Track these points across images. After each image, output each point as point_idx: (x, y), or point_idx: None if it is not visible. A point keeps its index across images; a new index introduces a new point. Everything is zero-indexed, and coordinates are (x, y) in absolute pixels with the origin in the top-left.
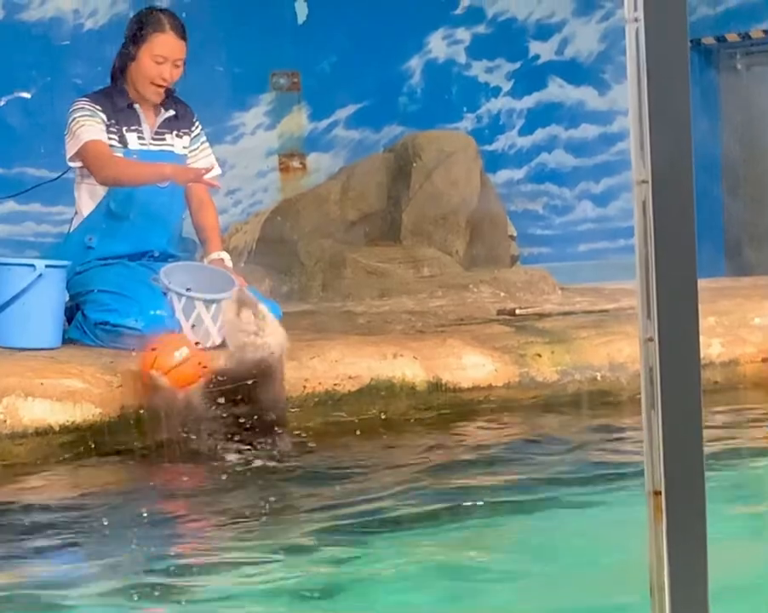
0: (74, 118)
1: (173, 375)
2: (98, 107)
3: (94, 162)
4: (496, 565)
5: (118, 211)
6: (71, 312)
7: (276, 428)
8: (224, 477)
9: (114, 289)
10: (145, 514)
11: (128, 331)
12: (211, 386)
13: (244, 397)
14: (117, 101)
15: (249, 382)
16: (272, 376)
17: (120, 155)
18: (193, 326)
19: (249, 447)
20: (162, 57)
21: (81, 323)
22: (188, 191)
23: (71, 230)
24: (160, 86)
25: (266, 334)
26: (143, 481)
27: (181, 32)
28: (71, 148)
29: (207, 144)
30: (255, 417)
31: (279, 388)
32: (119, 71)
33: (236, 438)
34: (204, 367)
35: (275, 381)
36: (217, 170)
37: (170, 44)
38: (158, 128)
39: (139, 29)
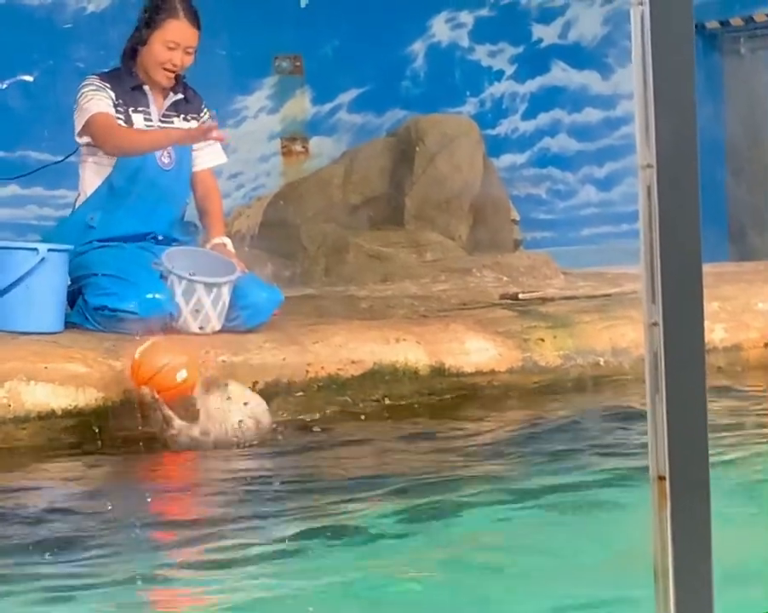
0: (82, 93)
1: (170, 395)
2: (107, 84)
3: (101, 133)
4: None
5: (122, 191)
6: (74, 296)
7: None
8: None
9: (112, 273)
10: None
11: (126, 315)
12: None
13: None
14: (125, 82)
15: None
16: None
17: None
18: (197, 311)
19: None
20: (174, 43)
21: (82, 309)
22: (194, 176)
23: (75, 210)
24: (170, 71)
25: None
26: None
27: (195, 20)
28: (78, 122)
29: None
30: None
31: None
32: (130, 54)
33: None
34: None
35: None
36: (223, 159)
37: (183, 31)
38: (166, 110)
39: (153, 13)
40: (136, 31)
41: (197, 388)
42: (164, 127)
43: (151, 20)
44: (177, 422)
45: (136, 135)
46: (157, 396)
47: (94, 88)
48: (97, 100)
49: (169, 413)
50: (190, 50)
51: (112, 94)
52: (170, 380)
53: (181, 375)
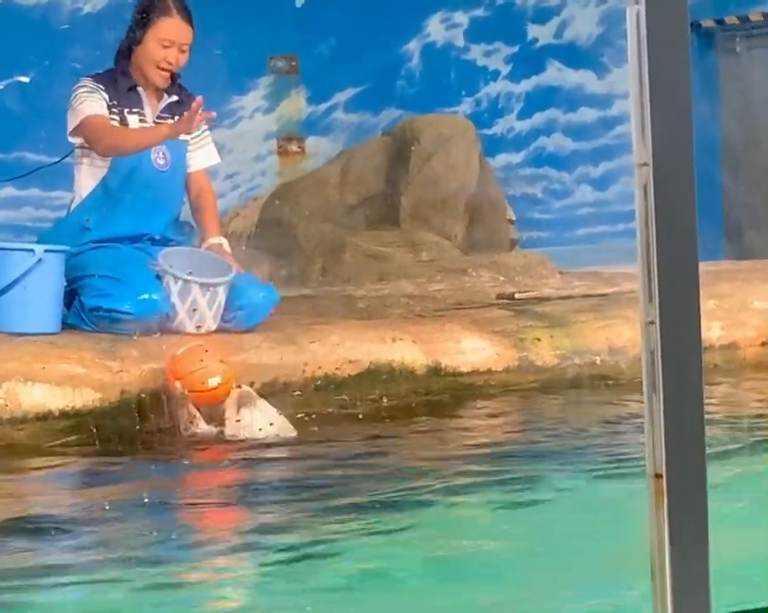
0: (76, 95)
1: (199, 397)
2: (101, 86)
3: (94, 133)
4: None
5: (117, 192)
6: (70, 297)
7: None
8: None
9: (108, 274)
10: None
11: (121, 316)
12: None
13: None
14: (120, 84)
15: None
16: None
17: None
18: (193, 311)
19: None
20: (168, 41)
21: (78, 310)
22: (188, 177)
23: (70, 211)
24: (165, 70)
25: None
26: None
27: (188, 17)
28: (71, 123)
29: (208, 133)
30: None
31: None
32: (124, 54)
33: None
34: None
35: None
36: (216, 159)
37: (177, 28)
38: (161, 112)
39: (146, 12)
40: (130, 31)
41: (229, 401)
42: None
43: (144, 18)
44: (201, 424)
45: (129, 134)
46: (186, 393)
47: (87, 89)
48: (90, 102)
49: (194, 412)
50: (184, 48)
51: (106, 96)
52: (202, 383)
53: (214, 380)
